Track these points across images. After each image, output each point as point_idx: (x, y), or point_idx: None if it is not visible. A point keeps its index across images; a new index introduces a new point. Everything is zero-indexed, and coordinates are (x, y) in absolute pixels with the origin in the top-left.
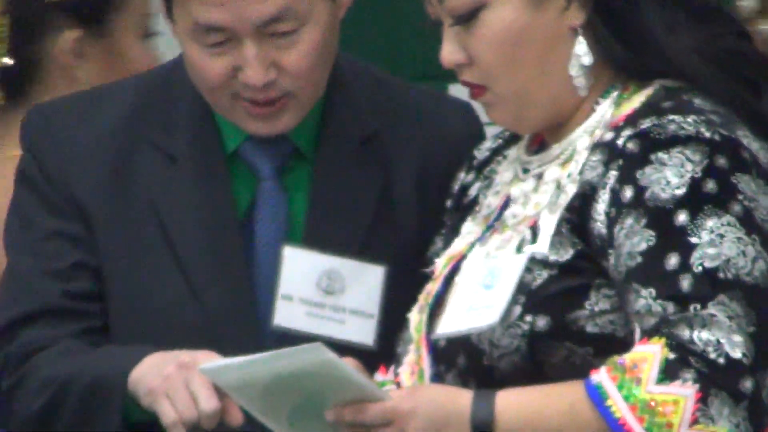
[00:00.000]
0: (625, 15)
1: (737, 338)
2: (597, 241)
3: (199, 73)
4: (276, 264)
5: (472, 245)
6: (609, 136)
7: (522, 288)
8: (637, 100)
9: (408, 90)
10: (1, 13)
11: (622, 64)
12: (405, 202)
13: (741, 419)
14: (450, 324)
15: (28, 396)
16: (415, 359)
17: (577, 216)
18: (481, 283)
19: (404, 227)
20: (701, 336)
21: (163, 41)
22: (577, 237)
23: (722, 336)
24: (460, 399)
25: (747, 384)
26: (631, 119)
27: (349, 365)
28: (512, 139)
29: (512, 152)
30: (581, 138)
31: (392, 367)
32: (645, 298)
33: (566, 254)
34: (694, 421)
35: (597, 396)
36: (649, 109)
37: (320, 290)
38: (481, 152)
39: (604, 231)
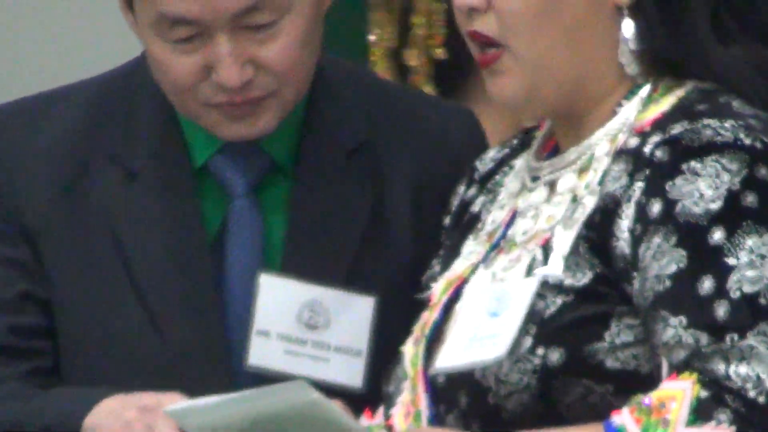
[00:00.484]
0: (675, 4)
1: None
2: (620, 263)
3: (165, 74)
4: (251, 294)
5: (474, 267)
6: (634, 142)
7: (533, 316)
8: (667, 102)
9: (402, 94)
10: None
11: (662, 57)
12: (399, 221)
13: None
14: (450, 357)
15: None
16: (410, 399)
17: (596, 233)
18: (486, 310)
19: (398, 251)
20: (739, 371)
21: None
22: (596, 257)
23: (763, 371)
24: None
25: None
26: (660, 123)
27: (337, 407)
28: (520, 148)
29: (520, 161)
30: (601, 143)
31: (381, 409)
32: (674, 328)
33: (584, 277)
34: None
35: None
36: (680, 112)
37: (301, 324)
38: (485, 163)
39: (627, 251)
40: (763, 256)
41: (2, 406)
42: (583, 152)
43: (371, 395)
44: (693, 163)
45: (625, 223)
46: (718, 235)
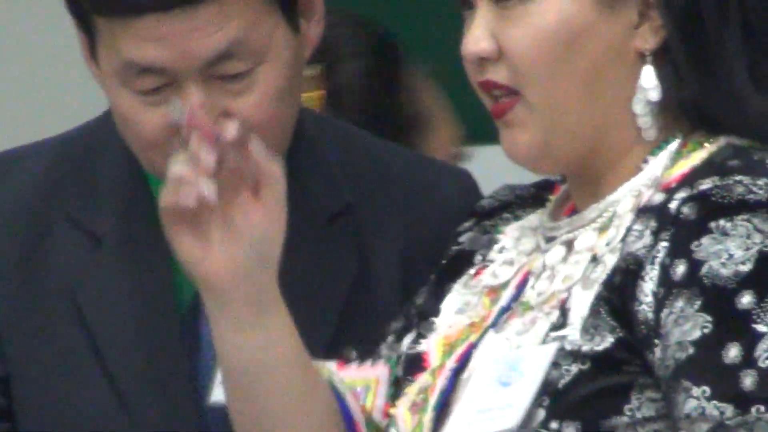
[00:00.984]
0: (708, 50)
1: None
2: (642, 329)
3: (131, 128)
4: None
5: (484, 331)
6: (659, 198)
7: (546, 387)
8: (698, 157)
9: (389, 153)
10: None
11: (691, 109)
12: (385, 289)
13: None
14: (457, 429)
15: None
16: None
17: (618, 296)
18: (497, 379)
19: (385, 319)
20: None
21: None
22: (616, 321)
23: None
24: None
25: None
26: (688, 179)
27: None
28: (531, 201)
29: (531, 217)
30: (624, 199)
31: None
32: (697, 399)
33: (603, 342)
34: None
35: None
36: (710, 167)
37: None
38: (488, 201)
39: (651, 316)
40: None
41: None
42: (604, 209)
43: None
44: (722, 222)
45: (648, 285)
46: (747, 300)
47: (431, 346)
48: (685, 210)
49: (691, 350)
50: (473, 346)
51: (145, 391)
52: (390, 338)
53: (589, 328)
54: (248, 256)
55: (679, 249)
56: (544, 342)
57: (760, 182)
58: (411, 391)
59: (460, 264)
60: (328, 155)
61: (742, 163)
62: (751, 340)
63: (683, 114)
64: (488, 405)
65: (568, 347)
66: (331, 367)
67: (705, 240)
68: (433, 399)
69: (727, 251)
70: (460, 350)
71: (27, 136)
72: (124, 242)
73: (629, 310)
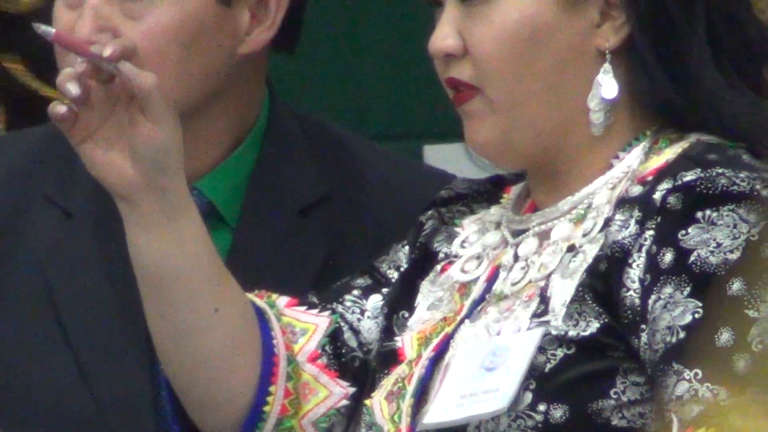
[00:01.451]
0: (676, 49)
1: None
2: (628, 314)
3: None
4: None
5: (459, 323)
6: (637, 190)
7: (531, 371)
8: (671, 152)
9: (371, 151)
10: None
11: (663, 107)
12: None
13: None
14: (441, 414)
15: None
16: None
17: (603, 283)
18: (481, 365)
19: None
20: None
21: None
22: (602, 307)
23: None
24: None
25: None
26: (667, 172)
27: None
28: (489, 194)
29: (492, 211)
30: (600, 192)
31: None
32: (689, 381)
33: (589, 328)
34: None
35: None
36: (689, 160)
37: None
38: (446, 192)
39: (638, 302)
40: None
41: None
42: (579, 202)
43: None
44: (708, 212)
45: (635, 272)
46: (737, 286)
47: (406, 342)
48: (671, 200)
49: (682, 334)
50: (449, 337)
51: (104, 361)
52: (356, 292)
53: (573, 314)
54: (146, 164)
55: (666, 238)
56: (530, 327)
57: (742, 174)
58: (387, 382)
59: (424, 263)
60: (302, 151)
61: (721, 157)
62: (743, 325)
63: (654, 111)
64: (472, 390)
65: (553, 332)
66: (278, 301)
67: (692, 229)
68: (411, 387)
69: (714, 240)
70: (436, 341)
71: None
72: (94, 218)
73: (615, 297)
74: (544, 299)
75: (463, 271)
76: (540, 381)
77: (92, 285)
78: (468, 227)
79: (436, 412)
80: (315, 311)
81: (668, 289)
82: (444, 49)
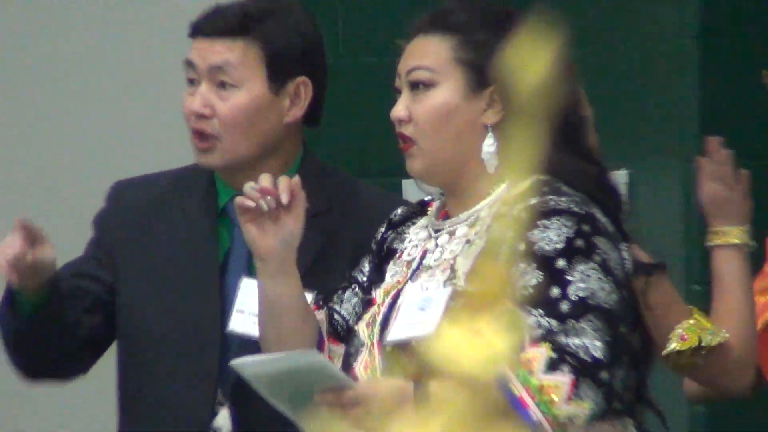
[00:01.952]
0: (528, 128)
1: (598, 344)
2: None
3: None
4: (237, 289)
5: (405, 282)
6: (505, 209)
7: (446, 311)
8: (522, 186)
9: (362, 184)
10: None
11: (521, 163)
12: (338, 265)
13: (599, 399)
14: (396, 334)
15: None
16: (368, 359)
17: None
18: (417, 306)
19: (335, 281)
20: (575, 342)
21: None
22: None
23: (588, 342)
24: (406, 387)
25: (604, 375)
26: (521, 198)
27: (333, 365)
28: (420, 212)
29: (421, 221)
30: (484, 209)
31: (339, 363)
32: (536, 316)
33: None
34: (569, 399)
35: (502, 382)
36: (533, 191)
37: None
38: (397, 216)
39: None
40: (588, 276)
41: None
42: (471, 215)
43: None
44: (544, 221)
45: (505, 255)
46: (561, 263)
47: (377, 294)
48: (523, 215)
49: (531, 290)
50: (400, 291)
51: (191, 298)
52: (339, 291)
53: (470, 279)
54: (282, 241)
55: (521, 236)
56: (444, 286)
57: (563, 198)
58: (366, 316)
59: (389, 255)
60: (320, 180)
61: (550, 189)
62: (565, 285)
63: (515, 164)
64: (413, 321)
65: (458, 290)
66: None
67: (535, 231)
68: (379, 318)
69: (548, 237)
70: (393, 292)
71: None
72: (199, 215)
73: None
74: (452, 270)
75: (408, 254)
76: (450, 316)
77: (192, 262)
78: (412, 233)
79: (393, 333)
80: (320, 311)
81: (522, 265)
82: (398, 116)
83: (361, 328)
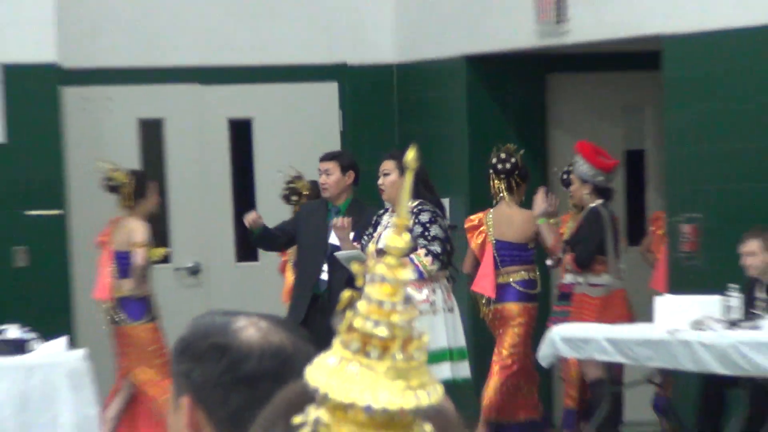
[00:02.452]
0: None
1: (439, 249)
2: (415, 232)
3: None
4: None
5: (383, 231)
6: (414, 210)
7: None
8: (411, 205)
9: (365, 205)
10: None
11: (415, 195)
12: (362, 234)
13: (438, 263)
14: (380, 245)
15: None
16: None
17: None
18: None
19: (359, 237)
20: (435, 249)
21: None
22: (409, 233)
23: (436, 250)
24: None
25: (443, 257)
26: (415, 207)
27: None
28: (387, 211)
29: (387, 215)
30: (407, 209)
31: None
32: (421, 238)
33: (407, 237)
34: (432, 264)
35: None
36: (415, 203)
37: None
38: (380, 213)
39: (416, 230)
40: (436, 228)
41: None
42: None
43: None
44: (422, 215)
45: (416, 228)
46: (427, 224)
47: (376, 235)
48: (415, 212)
49: (418, 231)
50: (382, 234)
51: (313, 244)
52: (365, 237)
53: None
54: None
55: (416, 220)
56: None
57: (428, 207)
58: (370, 245)
59: (377, 224)
60: (358, 207)
61: (423, 205)
62: (428, 230)
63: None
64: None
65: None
66: None
67: (421, 215)
68: (376, 240)
69: (424, 218)
70: (377, 238)
71: None
72: (322, 215)
73: (411, 231)
74: (393, 225)
75: (384, 225)
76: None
77: (320, 235)
78: (385, 218)
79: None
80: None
81: (418, 228)
82: (380, 184)
83: (370, 247)
